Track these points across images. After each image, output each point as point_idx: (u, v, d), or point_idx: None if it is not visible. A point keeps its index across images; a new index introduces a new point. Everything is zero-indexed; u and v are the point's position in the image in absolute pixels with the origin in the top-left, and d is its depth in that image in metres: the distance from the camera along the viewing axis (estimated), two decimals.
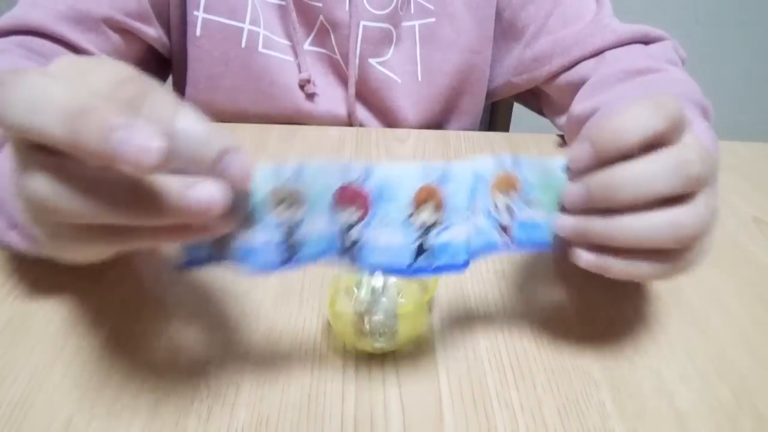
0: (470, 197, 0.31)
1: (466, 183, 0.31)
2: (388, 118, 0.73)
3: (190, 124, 0.25)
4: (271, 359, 0.42)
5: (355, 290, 0.42)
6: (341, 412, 0.38)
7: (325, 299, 0.48)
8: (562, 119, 0.70)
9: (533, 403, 0.38)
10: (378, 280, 0.42)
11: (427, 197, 0.30)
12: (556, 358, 0.42)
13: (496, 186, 0.32)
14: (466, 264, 0.33)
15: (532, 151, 0.70)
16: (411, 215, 0.30)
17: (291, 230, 0.29)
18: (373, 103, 0.73)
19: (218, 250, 0.29)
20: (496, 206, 0.32)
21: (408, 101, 0.72)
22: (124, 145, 0.21)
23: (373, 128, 0.73)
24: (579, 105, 0.62)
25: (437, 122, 0.75)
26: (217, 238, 0.28)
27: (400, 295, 0.43)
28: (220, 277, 0.48)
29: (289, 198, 0.29)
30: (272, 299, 0.48)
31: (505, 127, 1.00)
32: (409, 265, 0.31)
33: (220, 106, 0.69)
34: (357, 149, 0.67)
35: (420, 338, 0.44)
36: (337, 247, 0.31)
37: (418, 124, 0.73)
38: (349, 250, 0.30)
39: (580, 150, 0.31)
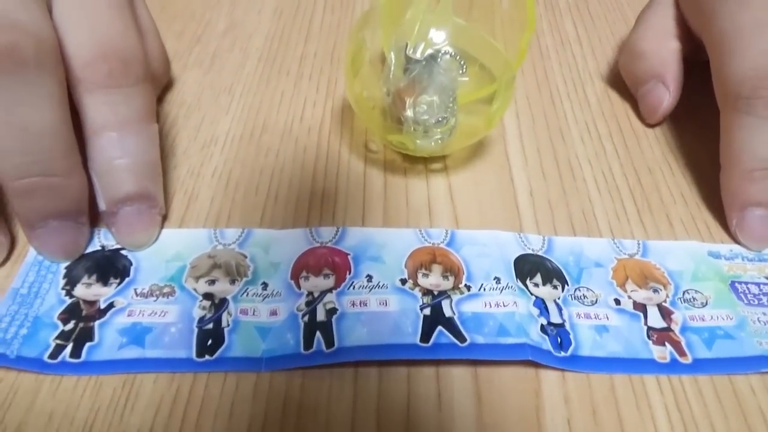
0: (574, 280, 0.23)
1: (501, 251, 0.24)
2: None
3: (117, 151, 0.22)
4: (251, 155, 0.27)
5: (391, 56, 0.25)
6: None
7: (337, 78, 0.32)
8: None
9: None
10: (435, 36, 0.26)
11: (430, 260, 0.23)
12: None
13: (622, 274, 0.23)
14: (529, 351, 0.21)
15: None
16: (405, 281, 0.22)
17: (212, 311, 0.21)
18: None
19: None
20: (633, 302, 0.22)
21: None
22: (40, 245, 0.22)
23: None
24: None
25: None
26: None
27: (463, 69, 0.27)
28: None
29: (216, 271, 0.22)
30: (254, 69, 0.32)
31: None
32: (418, 344, 0.21)
33: None
34: None
35: (486, 140, 0.28)
36: (296, 331, 0.21)
37: None
38: (322, 326, 0.21)
39: None
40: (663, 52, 0.29)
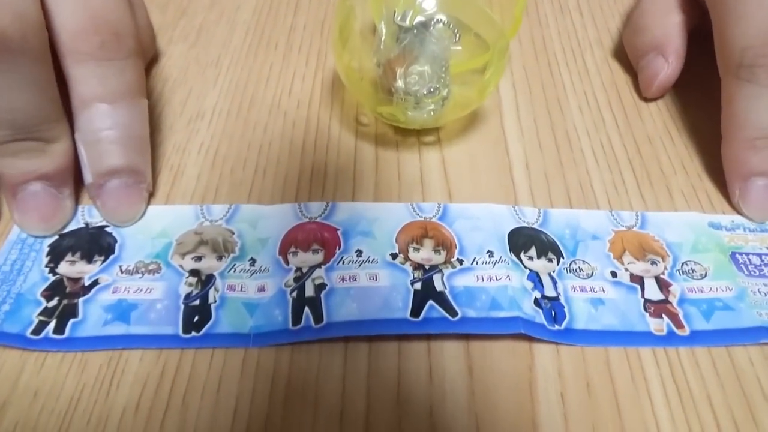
0: (569, 252, 0.23)
1: (492, 224, 0.24)
2: None
3: (106, 122, 0.22)
4: (239, 133, 0.27)
5: (382, 26, 0.25)
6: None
7: (327, 50, 0.32)
8: None
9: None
10: (424, 3, 0.26)
11: (422, 234, 0.23)
12: None
13: (619, 246, 0.24)
14: (522, 325, 0.21)
15: None
16: (396, 256, 0.23)
17: (199, 287, 0.22)
18: None
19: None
20: (630, 274, 0.23)
21: None
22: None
23: None
24: None
25: None
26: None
27: (456, 38, 0.27)
28: None
29: (203, 248, 0.23)
30: (242, 42, 0.32)
31: None
32: (408, 319, 0.21)
33: None
34: None
35: (481, 111, 0.28)
36: (284, 306, 0.21)
37: None
38: (311, 302, 0.21)
39: None
40: (666, 25, 0.29)
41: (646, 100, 0.29)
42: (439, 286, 0.22)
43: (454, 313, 0.21)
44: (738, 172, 0.25)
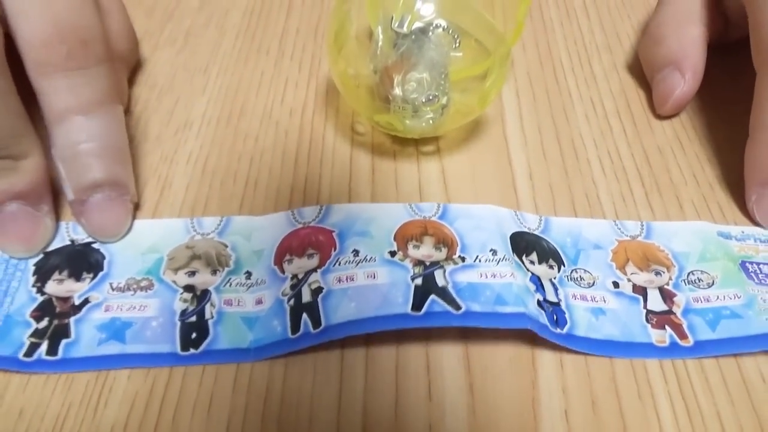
0: (570, 261, 0.25)
1: (493, 224, 0.26)
2: None
3: (82, 135, 0.24)
4: (230, 138, 0.29)
5: (379, 31, 0.27)
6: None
7: (321, 56, 0.34)
8: None
9: None
10: (422, 8, 0.27)
11: (421, 233, 0.25)
12: None
13: (622, 256, 0.26)
14: (528, 322, 0.22)
15: None
16: (395, 253, 0.24)
17: (194, 303, 0.24)
18: None
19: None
20: (633, 285, 0.25)
21: None
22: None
23: None
24: None
25: None
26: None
27: (456, 44, 0.29)
28: None
29: (196, 262, 0.25)
30: (231, 47, 0.33)
31: None
32: (409, 313, 0.22)
33: None
34: None
35: (483, 120, 0.30)
36: (282, 316, 0.23)
37: None
38: (308, 307, 0.23)
39: None
40: (684, 38, 0.30)
41: (659, 118, 0.31)
42: (440, 281, 0.23)
43: (457, 307, 0.22)
44: (759, 176, 0.26)
